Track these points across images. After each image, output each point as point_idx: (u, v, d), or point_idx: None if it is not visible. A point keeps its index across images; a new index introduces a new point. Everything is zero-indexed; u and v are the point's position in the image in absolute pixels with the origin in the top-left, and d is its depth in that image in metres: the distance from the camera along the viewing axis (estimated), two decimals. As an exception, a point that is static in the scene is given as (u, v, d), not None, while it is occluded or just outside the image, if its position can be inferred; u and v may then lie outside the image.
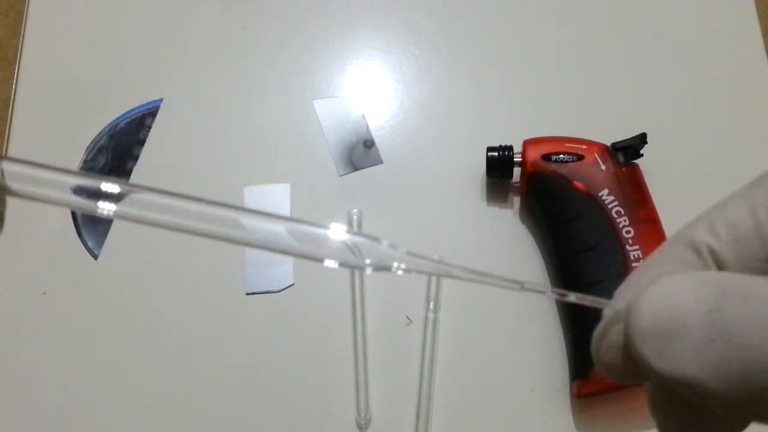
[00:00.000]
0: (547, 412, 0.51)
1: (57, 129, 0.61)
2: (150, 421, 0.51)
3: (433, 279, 0.53)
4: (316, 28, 0.64)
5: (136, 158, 0.59)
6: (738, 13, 0.63)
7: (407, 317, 0.53)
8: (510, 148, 0.55)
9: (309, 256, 0.22)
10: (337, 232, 0.22)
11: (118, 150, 0.59)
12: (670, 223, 0.50)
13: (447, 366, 0.52)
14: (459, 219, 0.57)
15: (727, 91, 0.61)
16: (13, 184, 0.21)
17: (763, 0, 0.65)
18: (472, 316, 0.53)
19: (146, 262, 0.56)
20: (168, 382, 0.52)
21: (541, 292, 0.22)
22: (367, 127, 0.60)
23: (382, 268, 0.23)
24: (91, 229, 0.57)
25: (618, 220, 0.50)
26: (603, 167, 0.52)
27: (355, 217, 0.55)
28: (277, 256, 0.55)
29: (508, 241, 0.56)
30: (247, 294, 0.54)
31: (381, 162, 0.59)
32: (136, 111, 0.61)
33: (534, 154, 0.53)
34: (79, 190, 0.21)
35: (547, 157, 0.53)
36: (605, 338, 0.20)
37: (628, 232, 0.50)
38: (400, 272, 0.23)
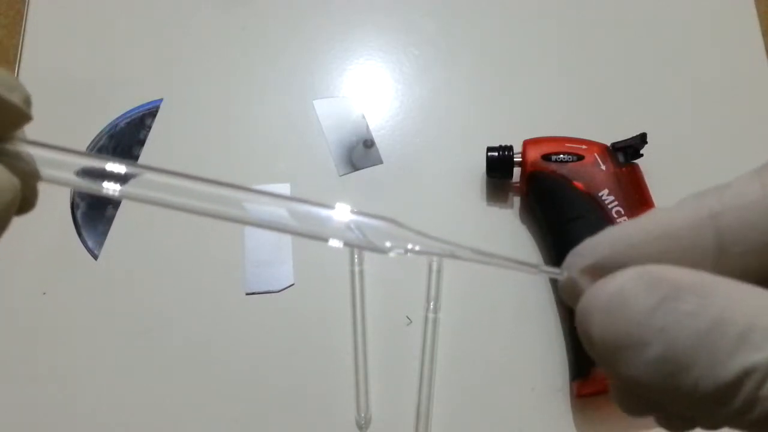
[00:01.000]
0: (547, 412, 0.51)
1: (57, 129, 0.60)
2: (150, 421, 0.51)
3: (433, 279, 0.53)
4: (316, 28, 0.64)
5: (136, 158, 0.59)
6: (738, 13, 0.63)
7: (407, 317, 0.53)
8: (510, 148, 0.55)
9: (314, 235, 0.22)
10: (342, 212, 0.22)
11: (118, 150, 0.59)
12: (670, 223, 0.50)
13: (447, 366, 0.52)
14: (459, 219, 0.57)
15: (727, 91, 0.61)
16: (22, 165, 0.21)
17: (763, 0, 0.65)
18: (472, 316, 0.54)
19: (146, 262, 0.56)
20: (168, 382, 0.52)
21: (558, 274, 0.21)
22: (367, 127, 0.60)
23: (400, 249, 0.23)
24: (91, 229, 0.57)
25: (618, 220, 0.50)
26: (603, 167, 0.52)
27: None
28: (277, 256, 0.55)
29: (508, 241, 0.56)
30: (247, 294, 0.54)
31: (381, 162, 0.59)
32: (136, 111, 0.61)
33: (534, 154, 0.53)
34: (84, 172, 0.21)
35: (547, 157, 0.53)
36: (569, 298, 0.20)
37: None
38: (409, 254, 0.23)
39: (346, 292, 0.54)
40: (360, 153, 0.59)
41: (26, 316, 0.54)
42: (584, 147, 0.53)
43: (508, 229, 0.56)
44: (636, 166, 0.53)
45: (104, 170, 0.21)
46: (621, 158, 0.52)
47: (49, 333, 0.54)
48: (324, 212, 0.23)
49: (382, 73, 0.62)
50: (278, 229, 0.22)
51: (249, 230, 0.56)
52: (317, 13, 0.64)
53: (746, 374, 0.16)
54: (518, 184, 0.56)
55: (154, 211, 0.57)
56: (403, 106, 0.61)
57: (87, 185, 0.21)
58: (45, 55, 0.63)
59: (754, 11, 0.63)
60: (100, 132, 0.60)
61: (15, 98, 0.20)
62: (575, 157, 0.52)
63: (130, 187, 0.21)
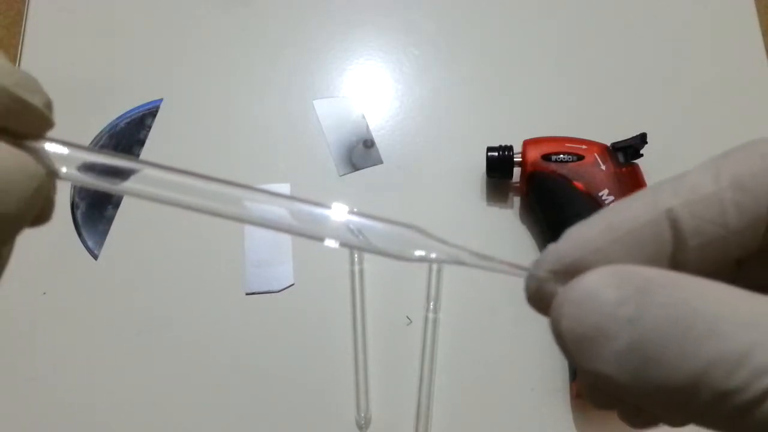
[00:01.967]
0: (547, 412, 0.51)
1: (57, 129, 0.60)
2: (150, 421, 0.51)
3: (433, 279, 0.53)
4: (316, 28, 0.64)
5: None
6: (738, 13, 0.63)
7: (407, 317, 0.53)
8: (510, 148, 0.55)
9: (310, 234, 0.22)
10: (339, 212, 0.22)
11: (118, 150, 0.59)
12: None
13: (447, 366, 0.52)
14: (459, 219, 0.57)
15: (727, 91, 0.61)
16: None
17: (763, 0, 0.65)
18: (472, 316, 0.54)
19: (146, 262, 0.56)
20: (168, 382, 0.52)
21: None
22: (367, 127, 0.60)
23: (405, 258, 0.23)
24: (91, 229, 0.57)
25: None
26: (603, 167, 0.52)
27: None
28: (277, 256, 0.55)
29: (508, 241, 0.56)
30: (247, 294, 0.54)
31: (381, 162, 0.59)
32: (136, 111, 0.61)
33: (534, 154, 0.53)
34: (86, 167, 0.21)
35: (547, 157, 0.53)
36: (534, 301, 0.21)
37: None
38: (436, 258, 0.23)
39: (346, 292, 0.54)
40: (360, 153, 0.59)
41: (26, 316, 0.54)
42: (584, 147, 0.53)
43: (508, 229, 0.56)
44: (636, 166, 0.53)
45: (105, 166, 0.21)
46: (621, 158, 0.52)
47: (49, 333, 0.54)
48: (327, 212, 0.23)
49: (382, 73, 0.62)
50: (278, 228, 0.22)
51: (249, 230, 0.56)
52: (317, 13, 0.64)
53: (714, 365, 0.16)
54: (518, 184, 0.56)
55: (154, 212, 0.57)
56: (403, 106, 0.61)
57: (88, 180, 0.21)
58: (45, 55, 0.63)
59: (754, 11, 0.63)
60: (100, 132, 0.60)
61: (37, 101, 0.20)
62: (575, 157, 0.52)
63: (131, 183, 0.22)
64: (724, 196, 0.18)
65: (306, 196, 0.22)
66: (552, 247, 0.20)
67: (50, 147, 0.21)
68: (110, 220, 0.57)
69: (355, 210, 0.23)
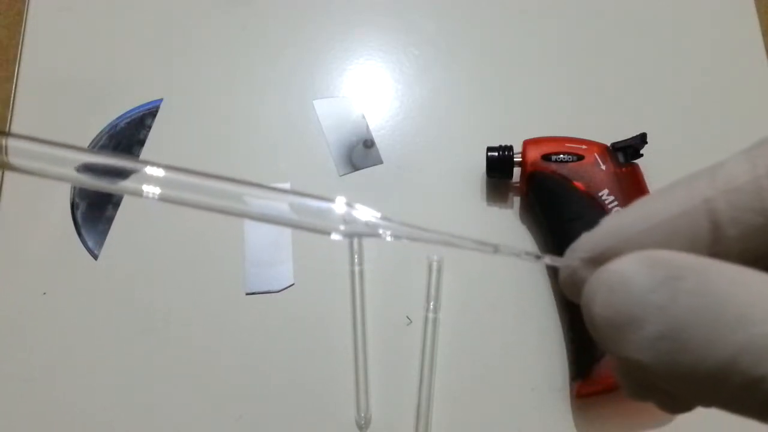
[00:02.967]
0: (547, 412, 0.51)
1: (57, 129, 0.61)
2: (150, 421, 0.51)
3: (433, 279, 0.53)
4: (316, 28, 0.64)
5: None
6: (738, 13, 0.63)
7: (407, 317, 0.53)
8: (510, 148, 0.55)
9: (312, 228, 0.23)
10: (339, 205, 0.23)
11: (118, 150, 0.59)
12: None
13: (447, 366, 0.52)
14: (459, 219, 0.57)
15: (727, 91, 0.61)
16: (17, 161, 0.21)
17: (763, 0, 0.65)
18: (472, 316, 0.54)
19: (146, 262, 0.56)
20: (168, 382, 0.52)
21: (516, 255, 0.22)
22: (367, 127, 0.60)
23: (364, 233, 0.23)
24: (91, 229, 0.57)
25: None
26: (603, 167, 0.52)
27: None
28: (277, 256, 0.55)
29: (508, 241, 0.56)
30: (247, 294, 0.54)
31: (381, 162, 0.59)
32: (136, 111, 0.61)
33: (534, 154, 0.53)
34: (84, 168, 0.22)
35: (547, 157, 0.53)
36: (569, 288, 0.20)
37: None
38: (389, 238, 0.23)
39: (346, 292, 0.54)
40: (360, 153, 0.59)
41: (26, 316, 0.54)
42: (584, 147, 0.53)
43: (508, 229, 0.56)
44: (636, 166, 0.53)
45: (105, 166, 0.21)
46: (621, 158, 0.52)
47: (49, 333, 0.54)
48: (322, 204, 0.23)
49: (382, 73, 0.62)
50: (276, 221, 0.22)
51: (249, 231, 0.56)
52: (317, 13, 0.64)
53: (744, 351, 0.16)
54: (518, 184, 0.56)
55: (154, 212, 0.57)
56: (403, 106, 0.61)
57: (88, 181, 0.22)
58: (45, 55, 0.63)
59: (754, 11, 0.63)
60: (100, 132, 0.60)
61: None
62: (575, 157, 0.52)
63: (131, 182, 0.22)
64: (762, 183, 0.18)
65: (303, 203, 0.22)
66: (586, 235, 0.20)
67: (40, 147, 0.21)
68: (110, 220, 0.57)
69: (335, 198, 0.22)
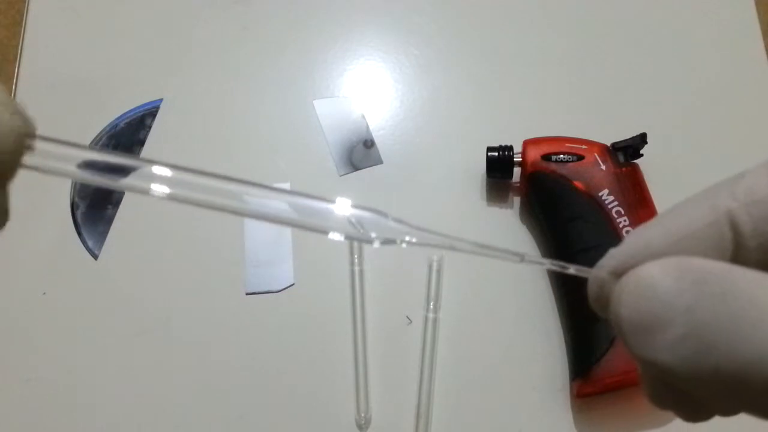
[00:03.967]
0: (547, 412, 0.51)
1: (57, 129, 0.60)
2: (150, 421, 0.51)
3: (433, 279, 0.53)
4: (316, 28, 0.64)
5: (136, 158, 0.59)
6: (738, 13, 0.63)
7: (407, 317, 0.53)
8: (510, 148, 0.55)
9: (313, 228, 0.23)
10: (343, 206, 0.23)
11: (118, 150, 0.59)
12: (670, 223, 0.50)
13: (447, 366, 0.52)
14: (459, 219, 0.57)
15: (727, 91, 0.61)
16: (39, 161, 0.21)
17: (763, 0, 0.65)
18: (472, 316, 0.54)
19: (146, 262, 0.56)
20: (168, 382, 0.52)
21: (542, 265, 0.22)
22: (367, 127, 0.60)
23: (389, 241, 0.24)
24: (91, 229, 0.57)
25: (618, 220, 0.50)
26: (603, 167, 0.52)
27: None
28: (277, 256, 0.55)
29: (508, 241, 0.56)
30: (247, 294, 0.54)
31: (381, 162, 0.59)
32: (136, 111, 0.61)
33: (534, 154, 0.53)
34: (87, 165, 0.22)
35: (547, 157, 0.53)
36: (597, 302, 0.21)
37: (628, 232, 0.50)
38: (404, 245, 0.24)
39: (346, 292, 0.54)
40: (360, 153, 0.59)
41: (26, 316, 0.54)
42: (584, 147, 0.53)
43: (508, 229, 0.56)
44: (636, 166, 0.53)
45: (106, 163, 0.22)
46: (621, 158, 0.52)
47: (49, 333, 0.54)
48: (324, 205, 0.23)
49: (382, 73, 0.62)
50: (279, 221, 0.22)
51: (249, 231, 0.56)
52: (317, 13, 0.64)
53: (767, 353, 0.16)
54: (518, 184, 0.56)
55: (154, 212, 0.57)
56: (403, 106, 0.61)
57: (89, 178, 0.22)
58: (45, 55, 0.63)
59: (754, 11, 0.63)
60: (100, 132, 0.60)
61: (17, 121, 0.21)
62: (575, 157, 0.52)
63: (132, 180, 0.22)
64: None
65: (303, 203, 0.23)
66: (613, 251, 0.21)
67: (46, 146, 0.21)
68: (110, 220, 0.57)
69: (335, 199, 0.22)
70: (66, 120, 0.61)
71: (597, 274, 0.21)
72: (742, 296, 0.17)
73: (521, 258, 0.23)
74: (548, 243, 0.54)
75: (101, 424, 0.51)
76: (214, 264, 0.55)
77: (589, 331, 0.49)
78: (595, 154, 0.52)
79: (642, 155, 0.53)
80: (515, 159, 0.54)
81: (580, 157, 0.52)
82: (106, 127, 0.60)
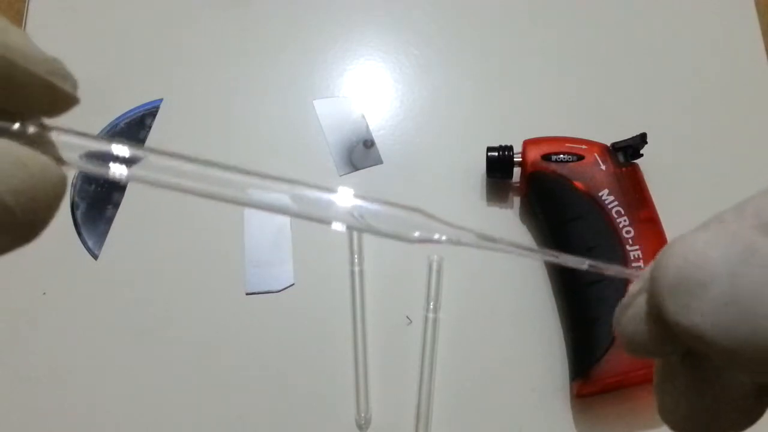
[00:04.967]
0: (547, 412, 0.51)
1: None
2: (150, 421, 0.51)
3: (433, 279, 0.53)
4: (316, 28, 0.64)
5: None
6: (738, 13, 0.63)
7: (407, 317, 0.53)
8: (510, 148, 0.55)
9: (320, 219, 0.23)
10: (377, 204, 0.23)
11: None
12: (670, 223, 0.50)
13: (447, 366, 0.52)
14: (459, 219, 0.56)
15: (727, 91, 0.61)
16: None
17: (763, 0, 0.65)
18: (472, 316, 0.54)
19: (146, 262, 0.56)
20: (168, 382, 0.52)
21: (580, 267, 0.22)
22: (367, 127, 0.60)
23: (426, 240, 0.25)
24: (91, 229, 0.57)
25: (618, 220, 0.50)
26: (603, 167, 0.52)
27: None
28: (277, 256, 0.55)
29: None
30: (247, 294, 0.54)
31: (381, 162, 0.59)
32: (136, 111, 0.61)
33: (534, 154, 0.53)
34: (90, 155, 0.22)
35: (547, 157, 0.53)
36: (629, 308, 0.21)
37: (628, 232, 0.50)
38: (443, 240, 0.24)
39: (346, 292, 0.54)
40: (360, 153, 0.59)
41: (26, 316, 0.54)
42: (584, 147, 0.53)
43: (508, 229, 0.56)
44: (636, 166, 0.53)
45: (110, 153, 0.22)
46: (621, 158, 0.52)
47: (49, 333, 0.54)
48: (328, 196, 0.24)
49: (382, 73, 0.62)
50: (281, 211, 0.23)
51: (249, 230, 0.56)
52: (317, 13, 0.64)
53: None
54: (518, 184, 0.56)
55: (155, 212, 0.57)
56: (403, 106, 0.61)
57: (92, 168, 0.22)
58: (45, 55, 0.63)
59: (754, 11, 0.63)
60: (100, 132, 0.60)
61: (68, 87, 0.22)
62: (575, 157, 0.52)
63: (136, 170, 0.22)
64: None
65: (305, 195, 0.23)
66: (641, 273, 0.21)
67: (61, 137, 0.22)
68: (110, 220, 0.57)
69: (357, 193, 0.23)
70: (66, 120, 0.60)
71: (638, 274, 0.21)
72: None
73: (556, 258, 0.24)
74: (548, 243, 0.54)
75: (101, 424, 0.51)
76: (214, 264, 0.55)
77: (589, 331, 0.49)
78: (595, 154, 0.52)
79: (642, 155, 0.53)
80: (515, 159, 0.54)
81: (580, 157, 0.52)
82: (105, 127, 0.60)
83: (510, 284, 0.54)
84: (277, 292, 0.54)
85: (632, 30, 0.63)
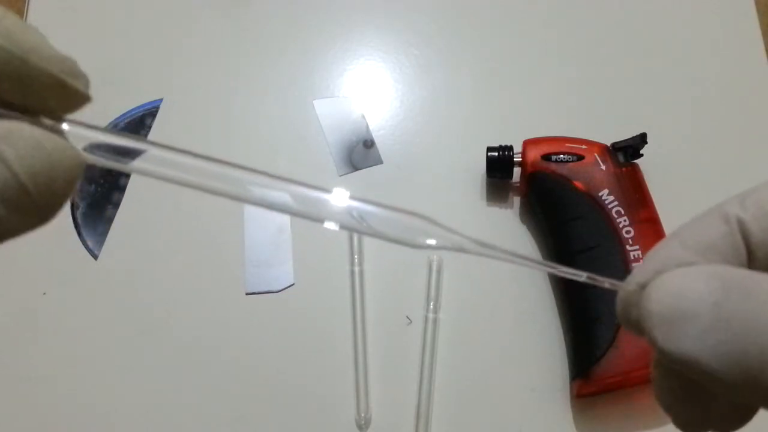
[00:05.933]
0: (547, 412, 0.51)
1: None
2: (150, 421, 0.51)
3: (433, 279, 0.53)
4: (316, 28, 0.64)
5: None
6: (738, 13, 0.63)
7: (407, 317, 0.53)
8: (510, 148, 0.55)
9: (316, 218, 0.24)
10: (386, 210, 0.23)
11: (118, 150, 0.59)
12: (670, 223, 0.50)
13: (447, 366, 0.52)
14: (459, 219, 0.57)
15: (727, 91, 0.61)
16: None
17: (763, 0, 0.65)
18: (472, 316, 0.54)
19: (146, 262, 0.56)
20: (168, 382, 0.52)
21: (601, 284, 0.24)
22: (367, 127, 0.60)
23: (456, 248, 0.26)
24: (91, 229, 0.57)
25: (618, 220, 0.50)
26: (603, 167, 0.52)
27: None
28: (277, 256, 0.55)
29: (508, 241, 0.56)
30: (247, 294, 0.54)
31: (381, 162, 0.59)
32: (136, 111, 0.61)
33: (534, 154, 0.53)
34: (94, 147, 0.22)
35: (547, 157, 0.53)
36: (625, 316, 0.22)
37: (628, 232, 0.50)
38: (446, 246, 0.25)
39: (346, 292, 0.54)
40: (360, 153, 0.59)
41: (26, 316, 0.54)
42: (584, 147, 0.53)
43: (508, 229, 0.56)
44: (636, 166, 0.53)
45: (113, 146, 0.22)
46: (621, 158, 0.52)
47: (49, 333, 0.54)
48: (330, 197, 0.24)
49: (382, 73, 0.62)
50: (283, 210, 0.23)
51: (249, 230, 0.56)
52: (317, 13, 0.64)
53: None
54: (518, 184, 0.56)
55: (155, 212, 0.57)
56: (403, 106, 0.61)
57: (96, 160, 0.22)
58: (45, 55, 0.63)
59: (754, 11, 0.63)
60: (100, 132, 0.60)
61: (80, 86, 0.23)
62: (575, 157, 0.52)
63: (138, 163, 0.23)
64: None
65: (305, 195, 0.23)
66: (638, 267, 0.22)
67: (72, 128, 0.22)
68: (110, 220, 0.57)
69: (357, 197, 0.23)
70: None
71: (626, 287, 0.22)
72: (764, 294, 0.19)
73: (586, 277, 0.24)
74: (548, 243, 0.54)
75: (101, 424, 0.51)
76: (214, 264, 0.55)
77: (589, 331, 0.49)
78: (595, 154, 0.52)
79: (642, 155, 0.53)
80: (515, 159, 0.54)
81: (580, 157, 0.52)
82: (106, 126, 0.60)
83: (510, 284, 0.54)
84: (277, 292, 0.54)
85: (632, 30, 0.63)
